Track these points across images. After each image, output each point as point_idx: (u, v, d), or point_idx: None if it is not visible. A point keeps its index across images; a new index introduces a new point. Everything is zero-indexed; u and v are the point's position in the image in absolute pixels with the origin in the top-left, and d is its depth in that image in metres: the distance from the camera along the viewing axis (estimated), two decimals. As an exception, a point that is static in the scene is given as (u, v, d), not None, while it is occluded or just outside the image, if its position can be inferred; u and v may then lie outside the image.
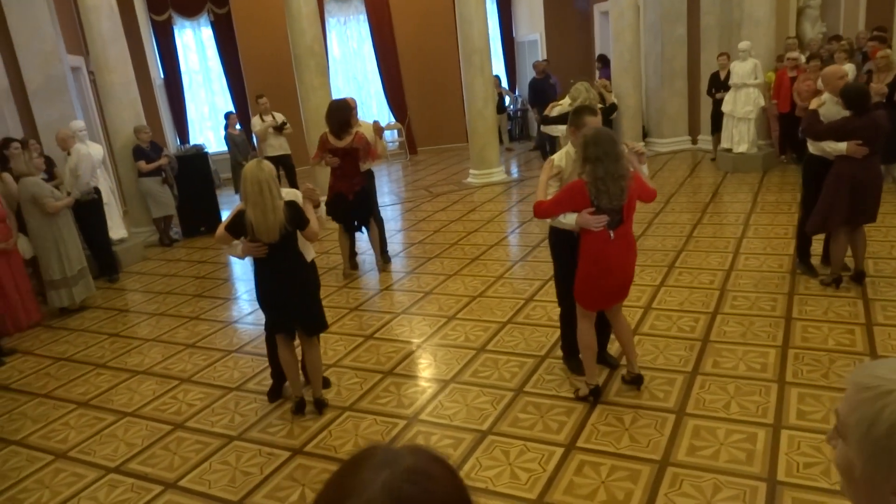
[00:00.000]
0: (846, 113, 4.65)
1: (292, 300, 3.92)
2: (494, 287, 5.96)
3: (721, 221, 7.26)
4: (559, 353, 4.50)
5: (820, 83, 7.75)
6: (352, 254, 6.88)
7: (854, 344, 4.17)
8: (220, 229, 3.91)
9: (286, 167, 9.48)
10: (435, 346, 4.90)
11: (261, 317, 5.79)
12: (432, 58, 14.33)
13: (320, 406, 4.10)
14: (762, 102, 9.15)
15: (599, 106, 5.03)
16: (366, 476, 0.75)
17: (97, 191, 7.38)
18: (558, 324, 4.95)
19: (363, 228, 6.68)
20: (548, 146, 11.74)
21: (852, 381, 0.88)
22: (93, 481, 3.69)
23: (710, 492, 2.99)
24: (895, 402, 0.83)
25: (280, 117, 9.55)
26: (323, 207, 4.32)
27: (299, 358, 4.29)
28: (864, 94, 4.69)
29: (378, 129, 6.63)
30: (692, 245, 6.47)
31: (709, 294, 5.21)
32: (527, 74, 14.25)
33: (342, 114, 6.20)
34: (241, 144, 9.95)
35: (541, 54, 14.06)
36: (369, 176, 6.57)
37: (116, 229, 8.13)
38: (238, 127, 10.15)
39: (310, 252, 4.07)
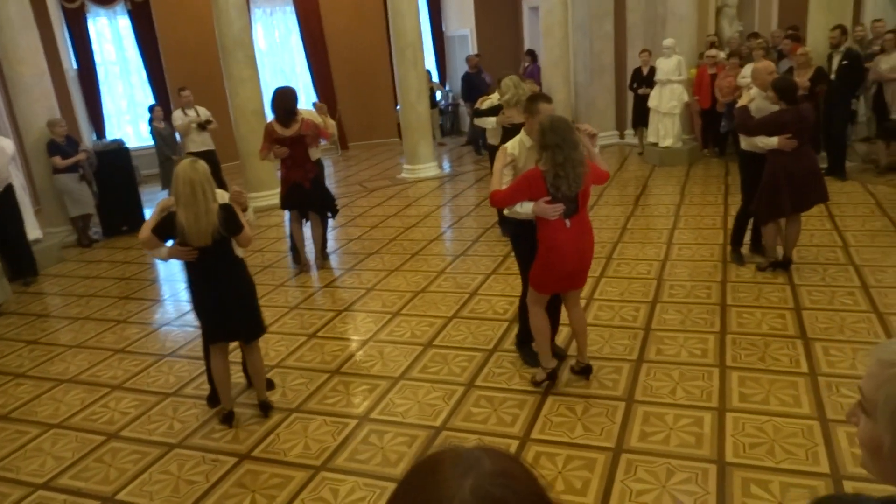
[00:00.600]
0: (776, 107, 4.87)
1: (228, 304, 3.72)
2: (437, 282, 5.93)
3: (652, 213, 7.48)
4: (508, 346, 4.51)
5: (742, 79, 8.12)
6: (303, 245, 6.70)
7: (786, 328, 4.37)
8: (146, 231, 3.63)
9: (210, 164, 9.04)
10: (381, 342, 4.82)
11: (194, 318, 5.59)
12: (363, 52, 14.10)
13: (266, 409, 3.95)
14: (686, 98, 9.47)
15: None
16: (451, 484, 0.71)
17: (10, 186, 6.88)
18: (504, 317, 5.00)
19: (306, 220, 6.52)
20: (480, 141, 11.81)
21: (876, 358, 0.88)
22: (19, 499, 3.42)
23: (664, 476, 3.06)
24: None
25: (204, 112, 9.15)
26: (251, 211, 4.16)
27: (239, 361, 4.11)
28: (795, 86, 4.99)
29: (322, 109, 6.54)
30: (627, 237, 6.63)
31: (647, 284, 5.35)
32: (458, 69, 14.26)
33: (289, 101, 6.02)
34: (167, 138, 9.50)
35: (471, 49, 14.10)
36: (319, 165, 6.46)
37: (30, 229, 7.60)
38: (163, 122, 9.69)
39: (238, 249, 3.90)
